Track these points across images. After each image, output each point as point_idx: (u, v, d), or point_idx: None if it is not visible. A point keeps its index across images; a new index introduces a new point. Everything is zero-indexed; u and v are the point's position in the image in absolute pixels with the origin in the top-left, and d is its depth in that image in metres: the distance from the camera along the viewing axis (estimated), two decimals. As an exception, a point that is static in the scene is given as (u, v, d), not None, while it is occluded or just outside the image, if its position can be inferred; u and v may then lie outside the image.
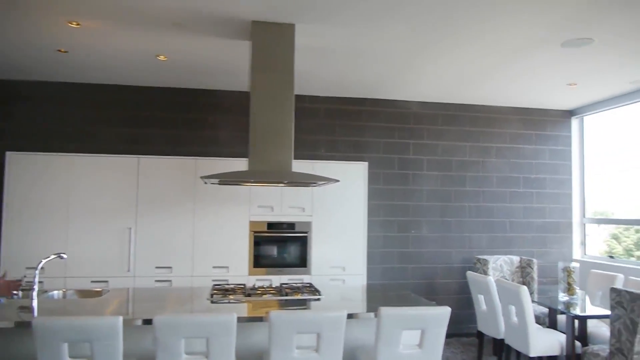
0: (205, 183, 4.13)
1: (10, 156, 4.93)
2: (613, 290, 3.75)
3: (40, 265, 3.49)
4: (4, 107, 5.42)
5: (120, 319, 2.68)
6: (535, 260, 5.81)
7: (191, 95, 5.75)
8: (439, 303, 6.02)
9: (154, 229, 5.05)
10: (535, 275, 5.76)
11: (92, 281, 4.89)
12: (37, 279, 3.47)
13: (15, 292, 3.57)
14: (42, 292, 3.83)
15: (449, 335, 6.02)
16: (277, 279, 5.19)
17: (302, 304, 3.55)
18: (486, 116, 6.39)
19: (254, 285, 4.13)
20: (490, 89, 5.64)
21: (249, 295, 3.72)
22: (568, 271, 4.70)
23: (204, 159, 5.23)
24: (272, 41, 3.81)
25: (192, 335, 2.77)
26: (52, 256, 3.62)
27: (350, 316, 3.17)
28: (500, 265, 5.86)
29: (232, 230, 5.18)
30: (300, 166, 5.18)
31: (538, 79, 5.20)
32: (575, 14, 3.55)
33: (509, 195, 6.39)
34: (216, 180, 3.76)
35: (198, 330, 2.76)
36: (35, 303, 3.38)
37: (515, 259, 5.98)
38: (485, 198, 6.33)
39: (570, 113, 6.59)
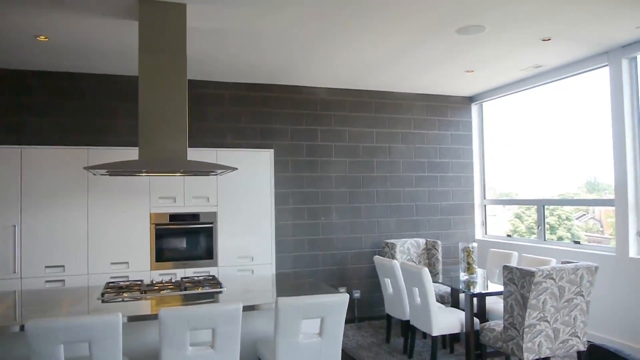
0: (95, 174, 3.83)
1: None
2: (505, 267, 3.93)
3: None
4: None
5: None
6: (439, 242, 6.01)
7: (81, 80, 5.33)
8: (351, 288, 6.14)
9: (42, 226, 4.64)
10: (440, 256, 5.96)
11: (-29, 286, 4.42)
12: None
13: None
14: None
15: (360, 319, 6.13)
16: (182, 273, 4.98)
17: (203, 297, 3.40)
18: (392, 102, 6.48)
19: (151, 281, 3.90)
20: (395, 75, 5.71)
21: (144, 292, 3.50)
22: (467, 251, 4.88)
23: (97, 148, 4.87)
24: (161, 21, 3.57)
25: (72, 340, 2.54)
26: None
27: (250, 308, 3.08)
28: (407, 248, 6.01)
29: (132, 224, 4.88)
30: (202, 154, 4.99)
31: (438, 65, 5.33)
32: (467, 1, 3.63)
33: (414, 180, 6.55)
34: (104, 171, 3.49)
35: (78, 334, 2.54)
36: None
37: (422, 241, 6.15)
38: (392, 183, 6.45)
39: (470, 99, 6.86)
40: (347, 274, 6.21)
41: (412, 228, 6.50)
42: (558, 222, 6.12)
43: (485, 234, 6.83)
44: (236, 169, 3.69)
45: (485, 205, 6.86)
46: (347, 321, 5.91)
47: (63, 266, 4.67)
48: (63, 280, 4.65)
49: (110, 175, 3.90)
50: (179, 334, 2.70)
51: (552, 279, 3.76)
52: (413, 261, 5.99)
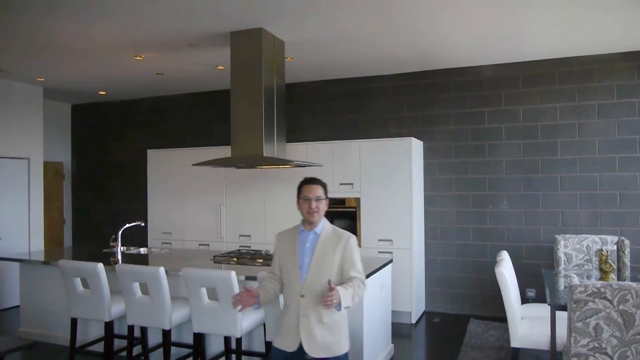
0: (215, 167, 5.01)
1: None
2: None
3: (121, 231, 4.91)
4: None
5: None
6: (627, 242, 4.71)
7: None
8: (524, 286, 5.42)
9: (238, 204, 6.20)
10: (627, 260, 4.67)
11: (200, 244, 6.38)
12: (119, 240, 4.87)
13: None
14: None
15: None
16: (332, 249, 5.73)
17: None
18: (581, 69, 5.32)
19: (262, 251, 4.86)
20: (583, 35, 4.76)
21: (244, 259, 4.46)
22: (601, 255, 3.89)
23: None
24: (243, 46, 4.46)
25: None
26: (132, 224, 5.10)
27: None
28: (586, 247, 4.94)
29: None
30: (344, 146, 5.64)
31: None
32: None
33: (619, 162, 5.22)
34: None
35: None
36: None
37: (611, 239, 4.93)
38: (583, 167, 5.33)
39: None
40: (520, 269, 5.54)
41: (613, 223, 5.24)
42: None
43: None
44: (313, 164, 4.33)
45: None
46: (499, 319, 5.31)
47: (249, 235, 6.15)
48: (249, 246, 6.11)
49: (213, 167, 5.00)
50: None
51: (606, 299, 2.85)
52: (592, 262, 4.90)
